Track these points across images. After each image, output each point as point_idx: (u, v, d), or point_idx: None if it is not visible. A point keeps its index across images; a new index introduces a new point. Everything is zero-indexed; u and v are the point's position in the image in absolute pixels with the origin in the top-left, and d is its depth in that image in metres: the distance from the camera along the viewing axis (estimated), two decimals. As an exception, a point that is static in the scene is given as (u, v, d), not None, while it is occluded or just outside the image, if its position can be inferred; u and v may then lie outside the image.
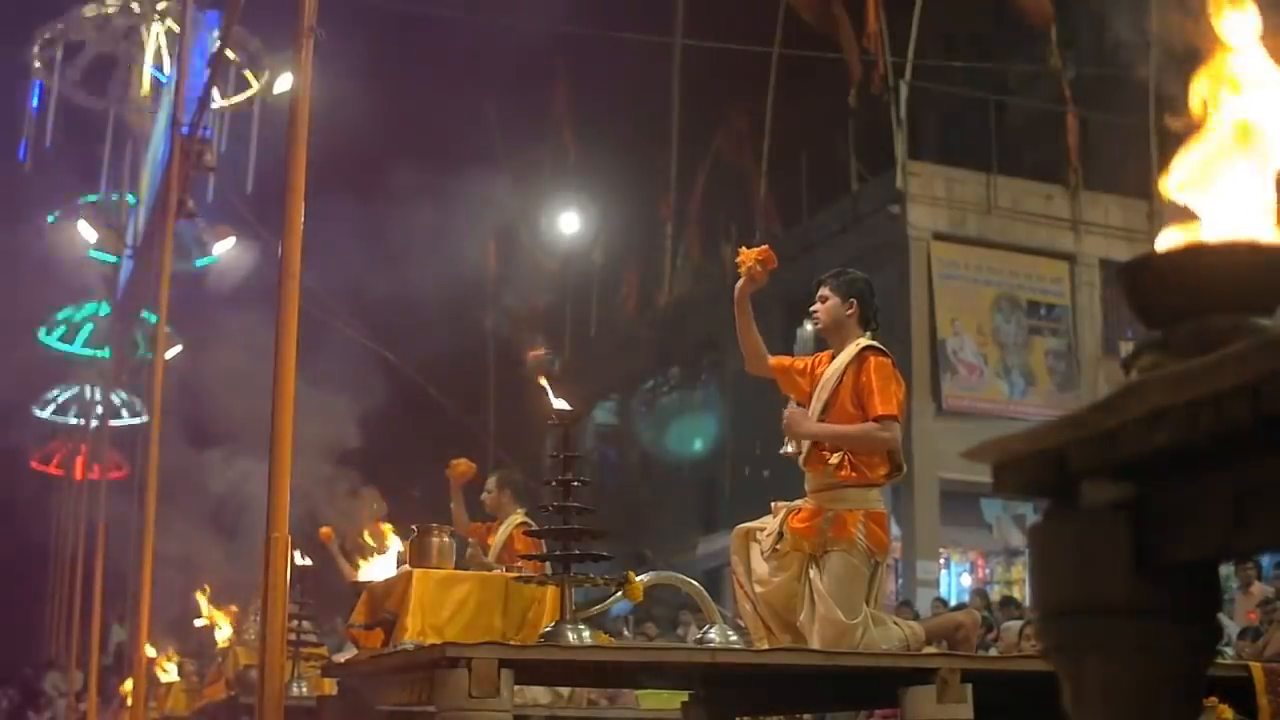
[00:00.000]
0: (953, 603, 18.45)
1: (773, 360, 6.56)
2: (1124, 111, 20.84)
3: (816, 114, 25.21)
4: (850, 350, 6.28)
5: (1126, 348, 21.73)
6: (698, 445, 28.51)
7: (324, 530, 10.89)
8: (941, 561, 21.76)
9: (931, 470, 19.65)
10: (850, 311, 6.36)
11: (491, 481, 9.53)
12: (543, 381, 5.63)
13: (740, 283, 6.29)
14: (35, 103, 19.54)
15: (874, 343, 6.32)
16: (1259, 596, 12.76)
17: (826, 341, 6.52)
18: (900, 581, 20.20)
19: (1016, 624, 12.85)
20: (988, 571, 22.71)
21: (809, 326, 7.28)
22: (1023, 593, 20.16)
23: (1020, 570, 22.15)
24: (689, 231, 28.80)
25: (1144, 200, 21.58)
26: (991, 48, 25.26)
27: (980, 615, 8.96)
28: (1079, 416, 1.73)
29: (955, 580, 22.20)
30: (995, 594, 20.10)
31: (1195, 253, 1.92)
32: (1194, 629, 1.76)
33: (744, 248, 6.34)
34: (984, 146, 22.99)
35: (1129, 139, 21.10)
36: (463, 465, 9.48)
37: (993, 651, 11.64)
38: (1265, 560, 13.65)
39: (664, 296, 29.10)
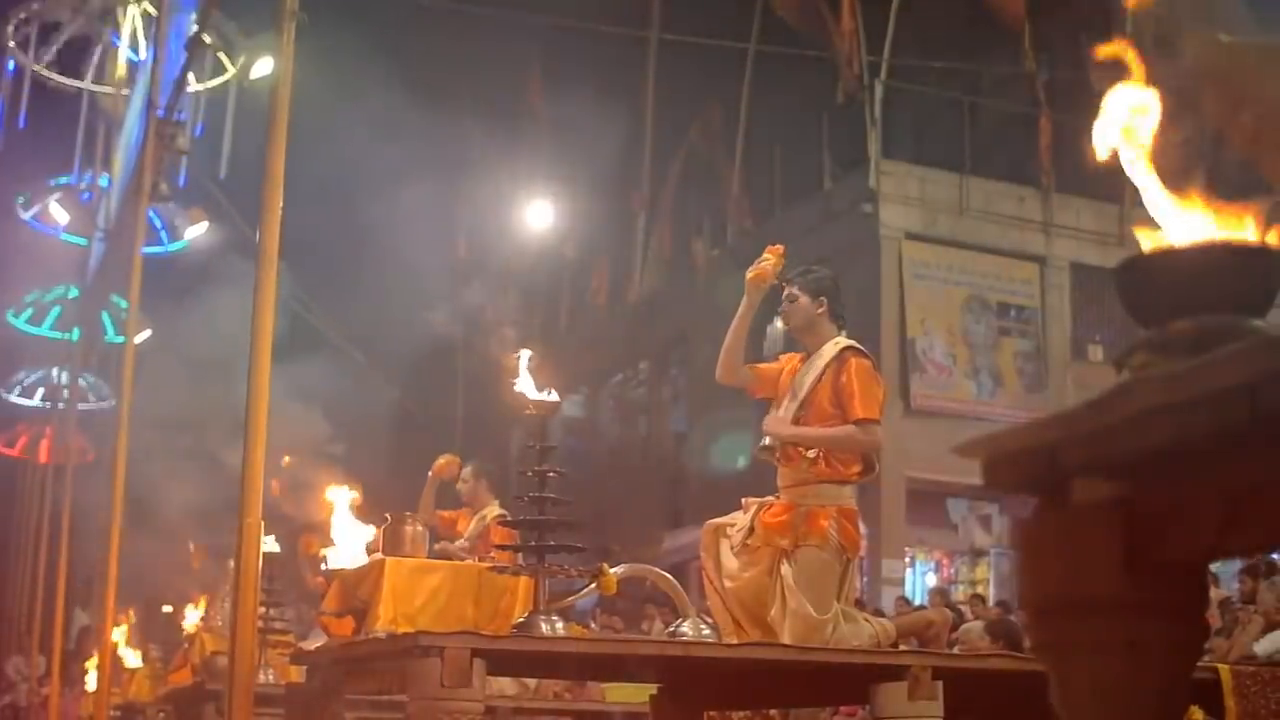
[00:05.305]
0: (917, 602, 18.50)
1: (749, 369, 6.56)
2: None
3: (790, 111, 25.22)
4: (830, 350, 6.28)
5: (1095, 350, 21.86)
6: (665, 440, 28.52)
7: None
8: (907, 560, 21.80)
9: (898, 469, 19.66)
10: (821, 309, 6.37)
11: (468, 471, 9.57)
12: (520, 374, 5.61)
13: (759, 282, 6.29)
14: (8, 82, 19.40)
15: (854, 344, 6.33)
16: (1215, 600, 12.83)
17: (799, 341, 6.51)
18: (865, 580, 20.23)
19: (978, 624, 12.89)
20: (952, 571, 22.76)
21: (779, 324, 7.28)
22: (987, 592, 20.25)
23: (985, 570, 22.22)
24: (660, 226, 28.76)
25: (1115, 204, 21.64)
26: (966, 49, 25.29)
27: (950, 614, 9.00)
28: (1071, 414, 1.74)
29: (920, 579, 22.23)
30: (960, 594, 20.17)
31: (1188, 253, 1.94)
32: (1182, 628, 1.78)
33: (770, 252, 6.35)
34: (957, 147, 23.03)
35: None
36: (447, 463, 9.49)
37: (956, 651, 11.68)
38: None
39: (634, 290, 29.07)
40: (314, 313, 27.13)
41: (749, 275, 6.32)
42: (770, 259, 6.31)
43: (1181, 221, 2.04)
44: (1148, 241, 2.04)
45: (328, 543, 8.18)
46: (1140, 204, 2.15)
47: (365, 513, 8.39)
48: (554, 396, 5.57)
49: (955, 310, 21.81)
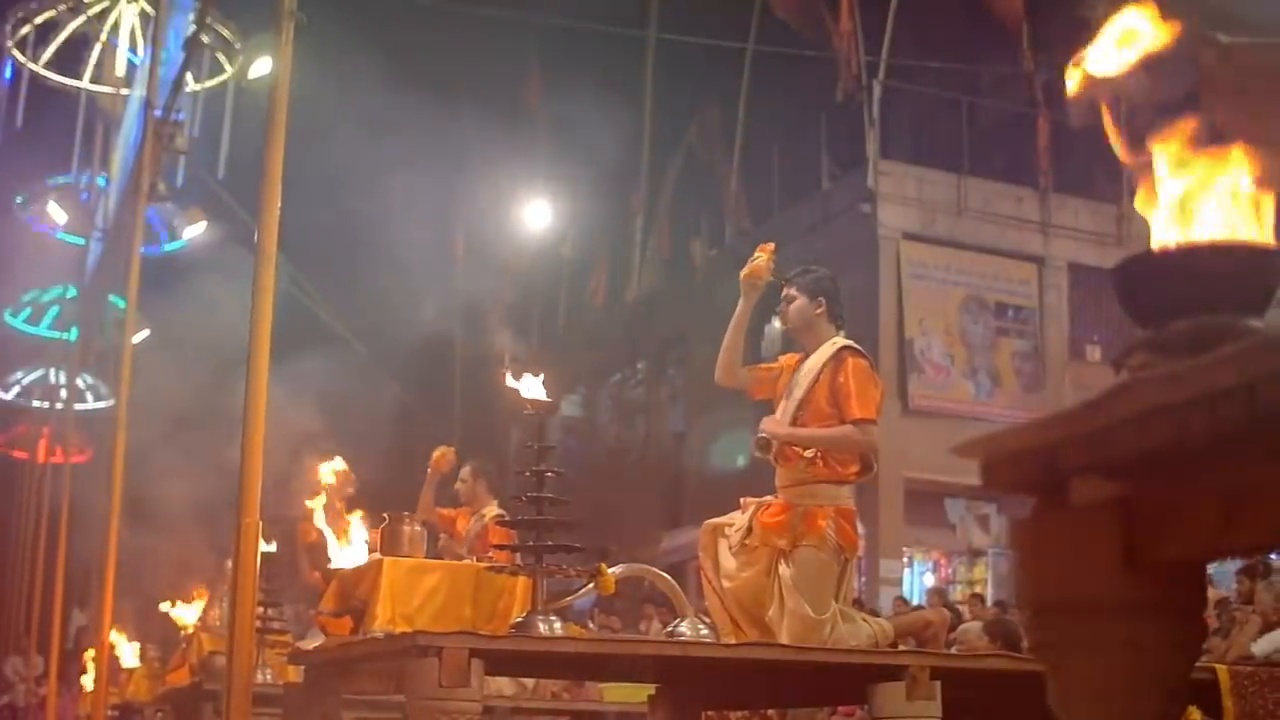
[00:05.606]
0: (915, 602, 18.49)
1: (748, 371, 6.55)
2: (1095, 115, 20.87)
3: (789, 111, 25.22)
4: (827, 349, 6.27)
5: (1093, 350, 21.85)
6: (663, 440, 28.51)
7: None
8: (905, 560, 21.79)
9: (896, 469, 19.65)
10: (819, 310, 6.36)
11: (466, 471, 9.54)
12: (511, 380, 5.60)
13: (753, 278, 6.30)
14: (7, 82, 19.42)
15: (852, 343, 6.31)
16: (1212, 600, 12.83)
17: (797, 342, 6.50)
18: (863, 580, 20.22)
19: (976, 624, 12.88)
20: (950, 571, 22.74)
21: (777, 324, 7.27)
22: (985, 592, 20.24)
23: (983, 570, 22.21)
24: (658, 226, 28.76)
25: (1113, 204, 21.66)
26: (964, 49, 25.30)
27: (948, 614, 8.99)
28: (1070, 414, 1.74)
29: (918, 579, 22.23)
30: (958, 594, 20.16)
31: (1187, 253, 1.94)
32: (1181, 628, 1.77)
33: (761, 250, 6.36)
34: (955, 147, 23.04)
35: (1099, 143, 21.13)
36: (443, 455, 9.48)
37: (954, 651, 11.67)
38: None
39: (632, 290, 29.06)
40: (311, 296, 27.12)
41: (743, 274, 6.33)
42: (762, 256, 6.32)
43: (1162, 167, 2.04)
44: (1147, 206, 2.04)
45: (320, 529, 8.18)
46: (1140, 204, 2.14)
47: (360, 505, 8.38)
48: (544, 395, 5.56)
49: (953, 310, 21.81)
